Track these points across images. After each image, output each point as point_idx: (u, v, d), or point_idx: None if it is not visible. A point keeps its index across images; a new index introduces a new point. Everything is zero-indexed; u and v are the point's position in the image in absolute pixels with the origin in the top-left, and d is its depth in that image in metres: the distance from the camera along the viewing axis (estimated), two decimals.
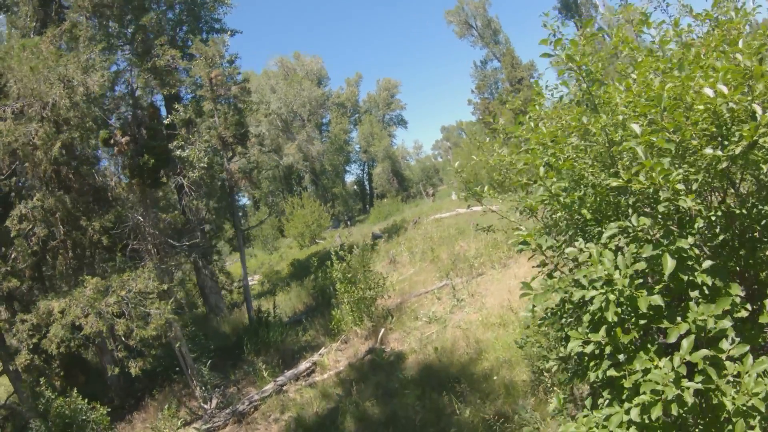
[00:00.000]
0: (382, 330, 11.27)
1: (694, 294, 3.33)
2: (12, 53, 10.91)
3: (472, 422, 6.66)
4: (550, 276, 3.98)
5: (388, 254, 19.37)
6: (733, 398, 3.04)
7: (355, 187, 62.90)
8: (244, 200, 57.33)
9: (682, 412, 2.99)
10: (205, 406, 10.75)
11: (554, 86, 5.17)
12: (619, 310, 3.08)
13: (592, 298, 3.27)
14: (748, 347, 3.16)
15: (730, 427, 3.23)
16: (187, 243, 12.15)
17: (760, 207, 3.61)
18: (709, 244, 3.64)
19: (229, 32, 17.94)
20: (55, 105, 10.06)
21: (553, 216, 4.30)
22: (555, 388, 6.19)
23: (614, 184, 3.12)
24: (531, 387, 6.88)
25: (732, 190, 3.68)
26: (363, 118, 58.53)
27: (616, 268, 3.08)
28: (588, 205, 3.68)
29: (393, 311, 12.31)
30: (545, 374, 6.68)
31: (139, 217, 11.25)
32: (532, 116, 5.41)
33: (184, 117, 15.42)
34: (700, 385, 3.01)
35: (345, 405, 8.33)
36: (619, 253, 3.27)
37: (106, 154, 12.78)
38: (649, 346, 3.36)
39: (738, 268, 3.73)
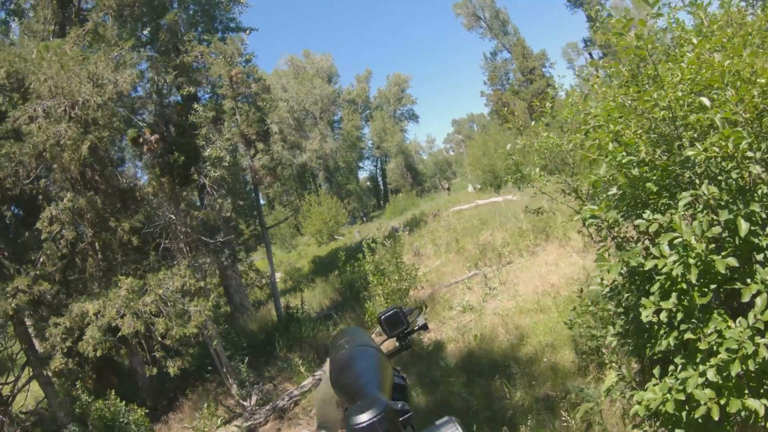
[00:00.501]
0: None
1: (760, 257, 3.48)
2: (33, 55, 11.08)
3: (525, 405, 6.79)
4: (619, 247, 4.11)
5: (411, 247, 19.50)
6: None
7: (368, 183, 63.09)
8: (261, 200, 57.55)
9: (759, 366, 3.12)
10: (244, 404, 10.86)
11: (601, 65, 5.26)
12: (696, 273, 3.20)
13: (663, 266, 3.42)
14: None
15: None
16: (221, 240, 12.31)
17: None
18: None
19: (246, 31, 18.09)
20: (85, 104, 10.20)
21: (611, 193, 4.39)
22: (611, 364, 6.31)
23: (690, 153, 3.25)
24: (578, 368, 7.01)
25: None
26: (374, 114, 58.70)
27: (693, 234, 3.21)
28: (654, 178, 3.80)
29: (426, 302, 12.46)
30: (593, 355, 6.81)
31: (171, 216, 11.41)
32: (575, 98, 5.55)
33: (207, 116, 15.65)
34: None
35: None
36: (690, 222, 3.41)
37: (135, 153, 12.94)
38: (720, 310, 3.51)
39: None
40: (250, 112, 16.40)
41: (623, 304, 4.72)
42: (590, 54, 51.80)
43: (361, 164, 59.19)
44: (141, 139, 11.48)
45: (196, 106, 16.16)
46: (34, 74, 10.59)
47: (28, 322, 12.13)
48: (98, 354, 10.49)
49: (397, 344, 1.58)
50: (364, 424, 0.83)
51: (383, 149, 57.04)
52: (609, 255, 4.04)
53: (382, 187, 62.41)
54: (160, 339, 10.17)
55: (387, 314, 1.53)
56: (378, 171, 62.02)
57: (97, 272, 12.00)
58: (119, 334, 10.32)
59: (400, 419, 0.89)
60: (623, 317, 4.68)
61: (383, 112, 59.01)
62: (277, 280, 27.35)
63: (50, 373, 11.52)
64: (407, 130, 63.82)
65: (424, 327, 1.57)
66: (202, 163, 15.47)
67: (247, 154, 16.49)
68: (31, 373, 12.56)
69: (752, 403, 3.26)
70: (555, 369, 7.30)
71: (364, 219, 50.12)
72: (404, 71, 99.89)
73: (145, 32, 15.71)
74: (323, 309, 17.22)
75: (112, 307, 10.20)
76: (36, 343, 12.73)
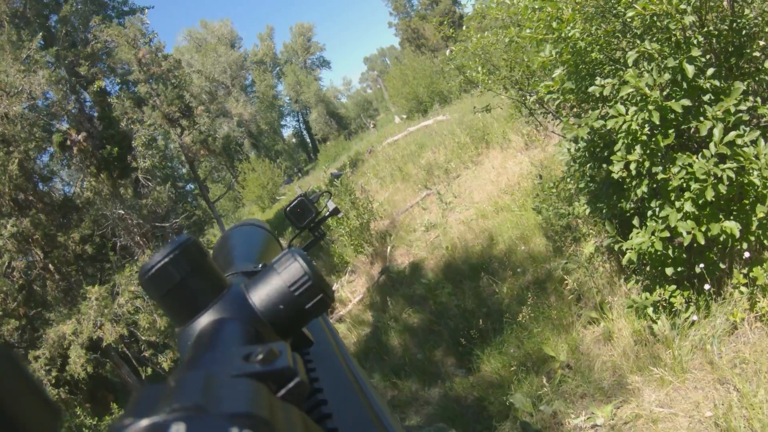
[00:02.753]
0: (388, 248, 11.73)
1: (707, 97, 3.83)
2: None
3: (514, 293, 7.21)
4: (577, 116, 4.39)
5: (356, 186, 19.69)
6: (760, 175, 3.59)
7: (294, 139, 62.38)
8: (189, 186, 56.32)
9: (729, 189, 3.50)
10: None
11: None
12: (657, 116, 3.51)
13: (623, 124, 3.74)
14: (759, 131, 3.68)
15: (759, 203, 3.81)
16: (177, 221, 12.15)
17: (737, 20, 4.10)
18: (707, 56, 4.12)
19: (143, 10, 17.35)
20: (3, 118, 9.72)
21: (557, 73, 4.64)
22: (585, 235, 6.77)
23: (631, 14, 3.51)
24: (554, 249, 7.44)
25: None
26: (285, 69, 57.52)
27: (647, 84, 3.51)
28: (597, 47, 4.07)
29: (388, 231, 12.76)
30: (565, 233, 7.26)
31: (120, 211, 11.17)
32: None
33: (125, 106, 15.18)
34: (734, 165, 3.53)
35: (383, 323, 8.76)
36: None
37: (62, 160, 12.42)
38: (679, 152, 3.88)
39: (736, 73, 4.24)
40: (166, 91, 15.97)
41: (588, 173, 5.08)
42: None
43: (283, 122, 58.45)
44: (68, 142, 11.03)
45: (109, 99, 15.61)
46: None
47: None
48: (88, 371, 10.23)
49: (311, 236, 1.47)
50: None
51: (302, 102, 56.29)
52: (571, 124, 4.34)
53: (309, 140, 61.82)
54: (143, 339, 10.02)
55: (291, 205, 1.40)
56: (301, 125, 61.29)
57: (58, 294, 11.57)
58: (103, 344, 10.10)
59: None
60: (591, 184, 5.03)
61: (294, 66, 57.93)
62: None
63: None
64: (322, 78, 63.18)
65: (336, 212, 1.47)
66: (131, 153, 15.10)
67: (175, 133, 16.13)
68: None
69: (729, 224, 3.66)
70: (532, 256, 7.72)
71: (300, 174, 49.82)
72: (306, 20, 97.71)
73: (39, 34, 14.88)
74: None
75: (88, 321, 9.93)
76: None
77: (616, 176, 3.97)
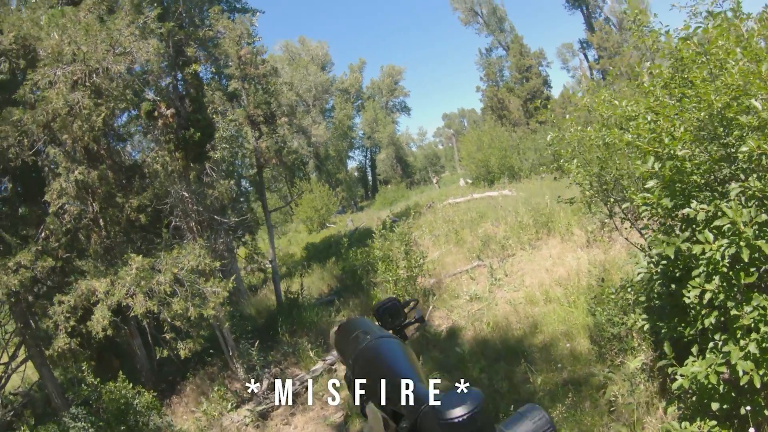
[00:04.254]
0: (429, 308, 11.84)
1: None
2: (41, 21, 10.89)
3: (549, 388, 7.23)
4: (667, 233, 4.53)
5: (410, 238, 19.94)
6: None
7: (357, 173, 63.41)
8: (248, 188, 57.57)
9: None
10: (252, 387, 11.03)
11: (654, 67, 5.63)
12: (747, 253, 3.63)
13: (708, 252, 3.86)
14: None
15: None
16: (236, 219, 12.51)
17: None
18: None
19: (254, 13, 18.27)
20: (105, 72, 10.17)
21: (650, 185, 4.78)
22: (633, 349, 6.78)
23: (744, 149, 3.68)
24: (598, 354, 7.46)
25: None
26: (366, 105, 58.90)
27: (742, 220, 3.65)
28: (700, 172, 4.24)
29: (432, 290, 12.87)
30: (613, 341, 7.27)
31: (184, 193, 11.56)
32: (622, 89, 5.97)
33: (216, 96, 15.90)
34: None
35: None
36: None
37: (145, 127, 12.84)
38: (756, 291, 3.97)
39: None
40: (257, 93, 16.66)
41: (656, 290, 5.17)
42: (585, 55, 52.62)
43: (351, 154, 59.58)
44: (156, 113, 11.53)
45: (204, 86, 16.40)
46: (47, 39, 10.40)
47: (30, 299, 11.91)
48: (108, 333, 10.46)
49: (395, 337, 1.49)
50: (461, 418, 0.79)
51: (374, 140, 57.37)
52: (652, 240, 4.48)
53: (370, 178, 62.73)
54: (170, 321, 10.17)
55: (384, 306, 1.45)
56: (367, 161, 62.33)
57: (99, 249, 11.93)
58: (130, 314, 10.28)
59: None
60: (655, 301, 5.12)
61: (375, 103, 59.29)
62: (269, 266, 27.76)
63: (54, 353, 11.34)
64: (399, 122, 64.33)
65: (421, 320, 1.49)
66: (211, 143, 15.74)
67: (253, 136, 16.76)
68: (27, 354, 12.52)
69: None
70: (574, 355, 7.75)
71: (354, 208, 50.44)
72: (399, 63, 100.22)
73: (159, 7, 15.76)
74: (322, 295, 17.57)
75: (123, 286, 10.16)
76: (31, 323, 12.60)
77: (688, 301, 4.07)
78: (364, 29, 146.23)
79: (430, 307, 11.97)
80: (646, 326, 5.28)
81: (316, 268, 21.63)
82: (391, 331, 1.39)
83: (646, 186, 4.79)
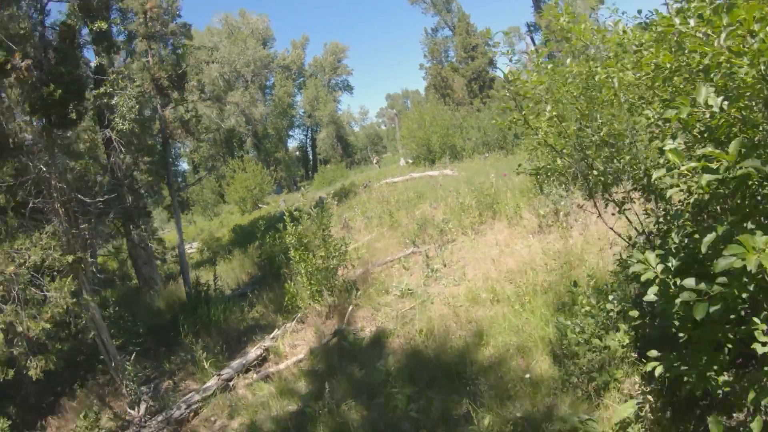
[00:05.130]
0: (350, 307, 9.47)
1: None
2: None
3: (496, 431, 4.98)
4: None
5: (340, 219, 17.54)
6: None
7: (298, 152, 60.33)
8: (183, 165, 54.35)
9: None
10: (132, 412, 8.41)
11: None
12: None
13: None
14: None
15: None
16: (101, 201, 9.64)
17: None
18: None
19: None
20: None
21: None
22: (629, 378, 4.57)
23: None
24: (563, 384, 5.24)
25: None
26: (308, 82, 55.86)
27: None
28: None
29: (357, 283, 10.53)
30: (583, 370, 5.05)
31: (42, 167, 8.76)
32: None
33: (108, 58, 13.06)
34: None
35: (313, 409, 6.42)
36: None
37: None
38: None
39: None
40: (163, 54, 13.88)
41: (676, 310, 2.96)
42: (532, 39, 50.84)
43: (291, 133, 56.51)
44: (9, 65, 8.71)
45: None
46: None
47: None
48: None
49: None
50: None
51: (315, 118, 54.43)
52: None
53: (311, 157, 59.82)
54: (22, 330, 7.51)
55: None
56: (308, 140, 59.35)
57: None
58: None
59: None
60: (675, 322, 2.91)
61: (317, 81, 56.24)
62: (194, 250, 24.82)
63: None
64: (341, 100, 61.67)
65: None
66: (108, 113, 12.87)
67: (158, 103, 13.95)
68: None
69: None
70: (533, 382, 5.48)
71: (292, 188, 47.77)
72: (343, 40, 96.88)
73: None
74: (239, 285, 14.99)
75: None
76: None
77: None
78: (308, 4, 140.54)
79: (352, 306, 9.61)
80: (659, 370, 3.10)
81: (238, 253, 18.98)
82: None
83: (667, 147, 2.58)
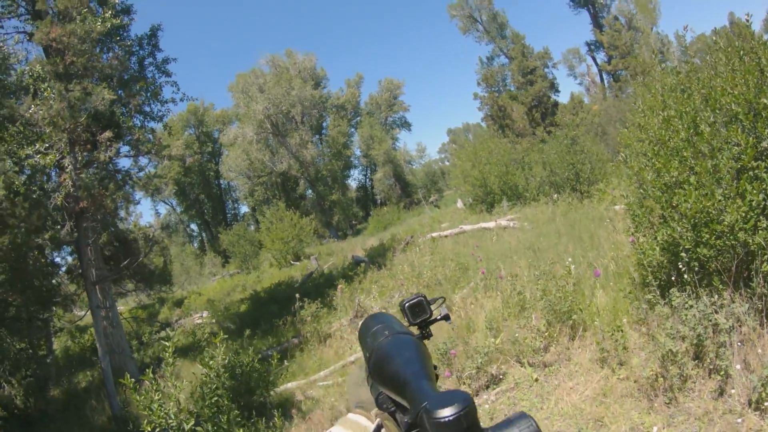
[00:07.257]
0: None
1: None
2: None
3: None
4: None
5: (354, 301, 12.12)
6: None
7: (357, 193, 55.41)
8: (244, 208, 50.63)
9: None
10: None
11: None
12: None
13: None
14: None
15: None
16: None
17: None
18: None
19: None
20: None
21: None
22: None
23: None
24: None
25: None
26: (362, 121, 51.20)
27: None
28: None
29: None
30: None
31: None
32: None
33: None
34: None
35: None
36: None
37: None
38: None
39: None
40: (70, 85, 8.98)
41: None
42: (593, 57, 44.34)
43: (349, 173, 51.71)
44: None
45: None
46: None
47: None
48: None
49: (419, 332, 1.25)
50: (449, 418, 0.68)
51: (370, 158, 49.47)
52: None
53: (370, 198, 54.80)
54: None
55: (411, 301, 1.24)
56: (367, 180, 54.42)
57: None
58: None
59: None
60: None
61: (372, 119, 51.41)
62: (200, 321, 19.65)
63: None
64: (399, 138, 56.41)
65: (446, 317, 1.29)
66: None
67: (71, 162, 9.03)
68: None
69: None
70: None
71: (348, 231, 42.89)
72: (397, 76, 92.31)
73: None
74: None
75: None
76: None
77: None
78: (360, 42, 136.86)
79: None
80: None
81: (233, 344, 13.72)
82: (416, 327, 1.26)
83: None
